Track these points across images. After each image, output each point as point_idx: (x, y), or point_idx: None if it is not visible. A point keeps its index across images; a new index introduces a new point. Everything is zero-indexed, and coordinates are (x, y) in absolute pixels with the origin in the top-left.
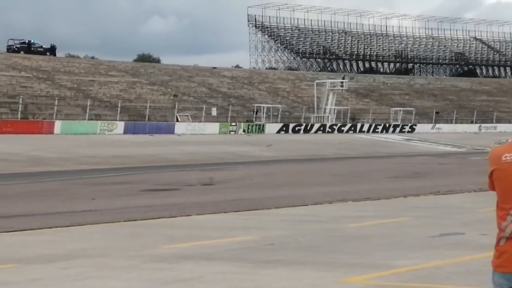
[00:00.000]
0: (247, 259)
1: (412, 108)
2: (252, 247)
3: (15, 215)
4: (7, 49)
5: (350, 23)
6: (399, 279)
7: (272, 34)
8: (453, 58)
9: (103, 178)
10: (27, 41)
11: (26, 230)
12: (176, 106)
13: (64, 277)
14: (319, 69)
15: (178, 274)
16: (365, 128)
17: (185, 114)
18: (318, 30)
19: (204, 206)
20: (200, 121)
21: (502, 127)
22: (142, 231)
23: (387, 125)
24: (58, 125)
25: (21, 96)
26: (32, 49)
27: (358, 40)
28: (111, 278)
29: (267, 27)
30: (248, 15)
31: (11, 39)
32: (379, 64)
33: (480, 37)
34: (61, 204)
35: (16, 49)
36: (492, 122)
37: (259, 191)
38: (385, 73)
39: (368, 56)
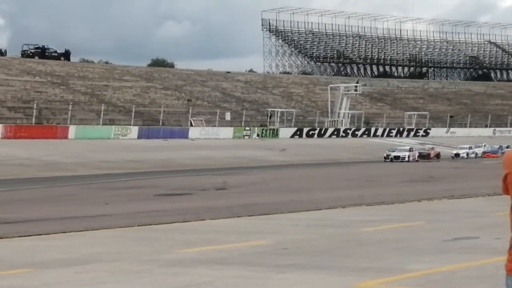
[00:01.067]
0: (260, 263)
1: (426, 112)
2: (265, 252)
3: (29, 220)
4: (22, 54)
5: (364, 27)
6: (413, 283)
7: (286, 38)
8: (468, 62)
9: (117, 183)
10: (41, 46)
11: (40, 234)
12: (190, 110)
13: (78, 281)
14: (333, 73)
15: (191, 278)
16: (379, 132)
17: (199, 118)
18: (332, 34)
19: (217, 211)
20: (214, 126)
21: None
22: (156, 235)
23: (401, 129)
24: (72, 130)
25: (36, 101)
26: (47, 54)
27: (372, 44)
28: (125, 282)
29: (281, 31)
30: (262, 19)
31: (25, 44)
32: (393, 68)
33: (494, 41)
34: (75, 209)
35: (30, 54)
36: (506, 126)
37: (273, 195)
38: (399, 77)
39: (382, 60)
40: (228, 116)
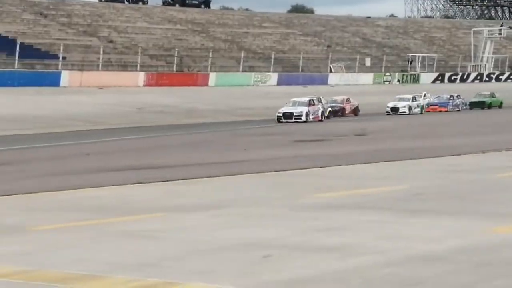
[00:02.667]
0: (394, 208)
1: None
2: (399, 197)
3: (168, 166)
4: (163, 2)
5: None
6: None
7: None
8: None
9: (256, 129)
10: None
11: (178, 180)
12: (330, 56)
13: (212, 225)
14: (476, 16)
15: (325, 223)
16: None
17: (339, 64)
18: None
19: (354, 156)
20: (354, 72)
21: None
22: (291, 181)
23: None
24: (212, 77)
25: (177, 49)
26: (187, 1)
27: None
28: (258, 227)
29: None
30: None
31: None
32: None
33: None
34: (213, 155)
35: (171, 2)
36: None
37: (412, 141)
38: None
39: None
40: (368, 62)
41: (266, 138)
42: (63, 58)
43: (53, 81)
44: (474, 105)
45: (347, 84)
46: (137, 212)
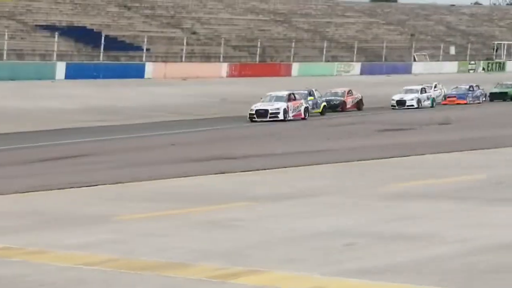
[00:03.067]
0: (474, 197)
1: None
2: (480, 186)
3: (251, 156)
4: None
5: None
6: None
7: None
8: None
9: (339, 119)
10: None
11: (260, 169)
12: (413, 45)
13: (294, 214)
14: None
15: (404, 211)
16: None
17: (422, 53)
18: None
19: (437, 145)
20: (438, 60)
21: None
22: (373, 170)
23: None
24: (295, 67)
25: (259, 40)
26: None
27: None
28: (341, 216)
29: None
30: None
31: None
32: None
33: None
34: (298, 145)
35: None
36: None
37: (497, 129)
38: None
39: None
40: (452, 50)
41: (350, 127)
42: (147, 50)
43: (137, 73)
44: (495, 97)
45: (431, 72)
46: (221, 201)
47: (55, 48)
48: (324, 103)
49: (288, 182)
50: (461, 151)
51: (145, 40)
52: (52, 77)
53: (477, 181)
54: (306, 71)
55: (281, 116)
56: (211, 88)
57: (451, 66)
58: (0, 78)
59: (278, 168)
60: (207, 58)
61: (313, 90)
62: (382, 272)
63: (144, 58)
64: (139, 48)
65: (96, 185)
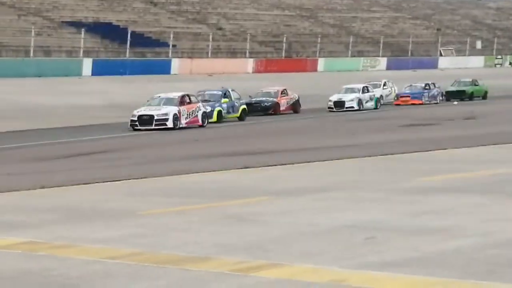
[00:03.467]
0: (500, 191)
1: None
2: (506, 180)
3: (275, 151)
4: None
5: None
6: None
7: None
8: None
9: (364, 114)
10: None
11: (284, 164)
12: (439, 40)
13: (314, 209)
14: None
15: (428, 206)
16: None
17: (449, 48)
18: None
19: (460, 140)
20: (464, 55)
21: None
22: (396, 165)
23: None
24: (321, 62)
25: (285, 35)
26: None
27: None
28: (363, 209)
29: None
30: None
31: None
32: None
33: None
34: (323, 140)
35: None
36: None
37: None
38: None
39: None
40: (479, 45)
41: (375, 122)
42: (173, 46)
43: (163, 69)
44: (452, 95)
45: (457, 67)
46: (243, 196)
47: (82, 45)
48: (244, 106)
49: (311, 177)
50: (485, 145)
51: (171, 36)
52: (78, 73)
53: (501, 175)
54: (332, 66)
55: (169, 124)
56: (237, 84)
57: (478, 61)
58: (27, 74)
59: (302, 162)
60: (233, 54)
61: (229, 90)
62: (403, 265)
63: (170, 54)
64: (165, 44)
65: (121, 180)
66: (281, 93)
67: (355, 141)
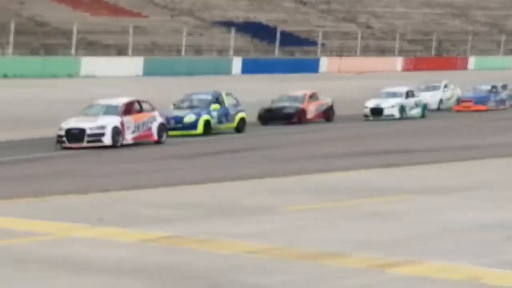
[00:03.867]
0: None
1: None
2: None
3: (417, 150)
4: None
5: None
6: None
7: None
8: None
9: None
10: None
11: (426, 163)
12: None
13: (458, 207)
14: None
15: None
16: None
17: None
18: None
19: None
20: None
21: None
22: None
23: None
24: (471, 61)
25: (435, 33)
26: None
27: None
28: (504, 209)
29: None
30: None
31: None
32: None
33: None
34: (467, 139)
35: None
36: None
37: None
38: None
39: None
40: None
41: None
42: (322, 44)
43: (311, 67)
44: None
45: None
46: (384, 194)
47: (232, 44)
48: (243, 115)
49: (454, 176)
50: None
51: (320, 35)
52: (228, 72)
53: None
54: (483, 64)
55: (107, 140)
56: (386, 83)
57: None
58: (179, 73)
59: (444, 162)
60: (382, 52)
61: (222, 93)
62: None
63: (318, 53)
64: (314, 43)
65: (259, 178)
66: (309, 97)
67: (498, 140)
